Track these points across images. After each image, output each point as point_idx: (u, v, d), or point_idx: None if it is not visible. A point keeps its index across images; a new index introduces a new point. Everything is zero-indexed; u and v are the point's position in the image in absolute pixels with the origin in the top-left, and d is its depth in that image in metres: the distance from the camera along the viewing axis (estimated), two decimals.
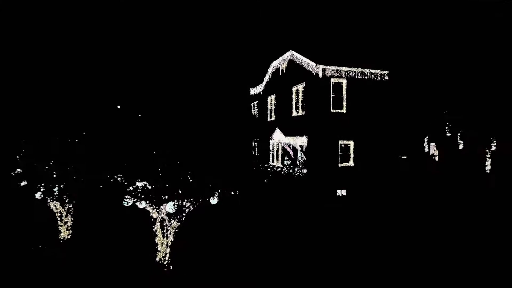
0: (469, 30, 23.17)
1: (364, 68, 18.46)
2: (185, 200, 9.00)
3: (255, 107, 29.81)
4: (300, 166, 18.92)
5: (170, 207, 8.34)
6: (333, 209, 15.36)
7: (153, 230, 9.34)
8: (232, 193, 9.11)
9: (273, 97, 25.18)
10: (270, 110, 25.80)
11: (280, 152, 23.25)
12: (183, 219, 9.36)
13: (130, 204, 8.77)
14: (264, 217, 13.76)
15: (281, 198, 16.19)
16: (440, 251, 9.95)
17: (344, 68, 18.12)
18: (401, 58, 22.57)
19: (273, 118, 24.93)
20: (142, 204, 8.32)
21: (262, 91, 27.58)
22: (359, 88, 18.65)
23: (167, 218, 9.18)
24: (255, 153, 29.17)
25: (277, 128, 22.06)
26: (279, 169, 21.91)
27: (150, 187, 8.58)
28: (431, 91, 20.46)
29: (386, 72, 18.93)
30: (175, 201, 8.76)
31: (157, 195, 8.69)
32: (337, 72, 18.12)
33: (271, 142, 24.62)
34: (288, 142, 20.59)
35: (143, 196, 8.40)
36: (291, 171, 19.45)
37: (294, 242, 10.78)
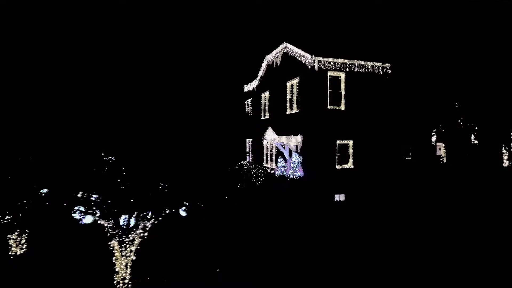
0: (479, 24, 21.60)
1: (365, 61, 16.81)
2: (147, 212, 7.38)
3: (249, 105, 28.18)
4: (295, 168, 17.27)
5: (123, 220, 6.71)
6: (329, 216, 13.74)
7: (110, 247, 7.73)
8: (202, 205, 7.47)
9: (267, 94, 23.56)
10: (264, 107, 24.16)
11: (273, 152, 21.61)
12: (145, 234, 7.73)
13: (80, 217, 7.15)
14: (250, 227, 12.08)
15: (272, 204, 14.53)
16: (450, 266, 8.36)
17: (342, 60, 16.47)
18: (405, 50, 20.97)
19: (267, 116, 23.30)
20: (87, 219, 6.67)
21: (255, 87, 25.95)
22: (359, 82, 17.01)
23: (125, 233, 7.55)
24: (249, 153, 27.55)
25: (269, 127, 20.42)
26: (273, 171, 20.28)
27: (100, 198, 6.94)
28: (438, 86, 18.81)
29: (388, 65, 17.29)
30: (133, 213, 7.14)
31: (110, 206, 7.05)
32: (335, 65, 16.47)
33: (264, 142, 22.98)
34: (282, 141, 18.95)
35: (92, 208, 6.77)
36: (284, 173, 17.82)
37: (285, 262, 9.13)
